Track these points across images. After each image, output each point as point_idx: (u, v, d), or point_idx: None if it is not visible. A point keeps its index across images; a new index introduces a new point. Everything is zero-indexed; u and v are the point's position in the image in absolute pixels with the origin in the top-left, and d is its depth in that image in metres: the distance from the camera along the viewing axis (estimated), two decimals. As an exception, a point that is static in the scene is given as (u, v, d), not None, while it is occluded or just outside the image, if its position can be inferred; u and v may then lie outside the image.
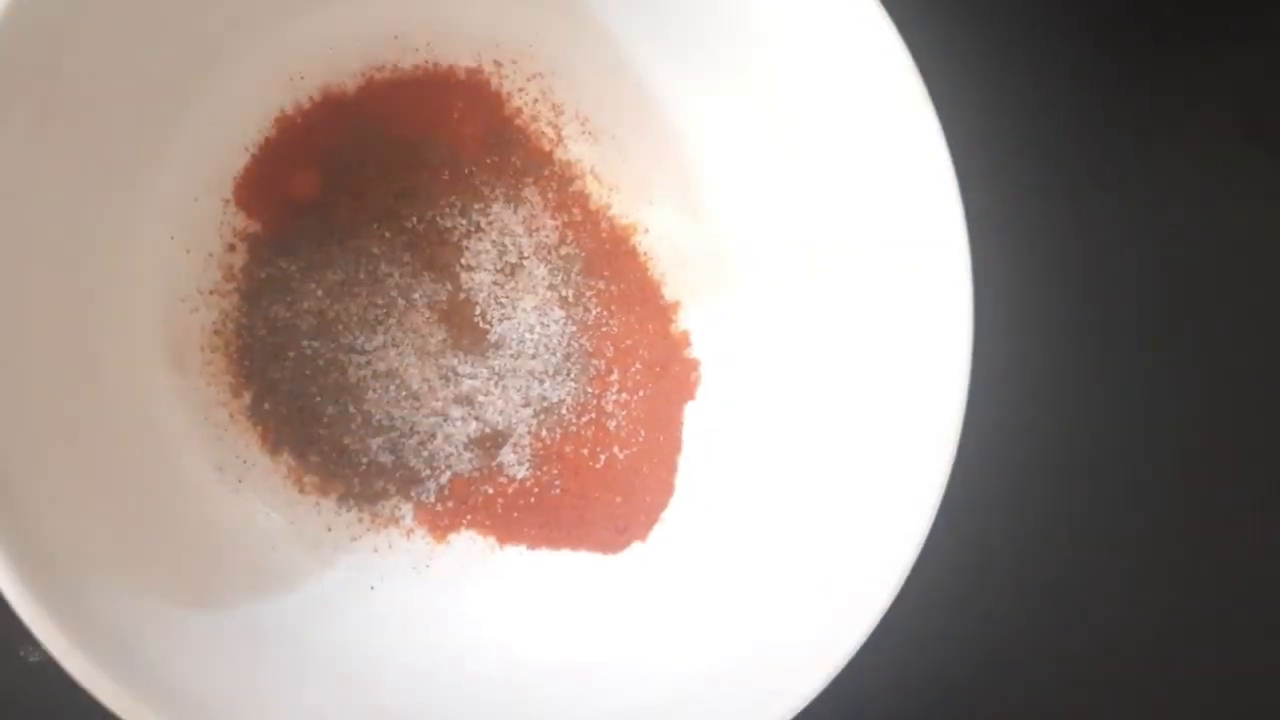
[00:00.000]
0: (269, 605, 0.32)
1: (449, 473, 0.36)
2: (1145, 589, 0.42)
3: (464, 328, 0.36)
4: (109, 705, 0.26)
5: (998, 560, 0.41)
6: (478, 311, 0.36)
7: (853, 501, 0.34)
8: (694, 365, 0.38)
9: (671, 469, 0.37)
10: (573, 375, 0.37)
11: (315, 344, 0.35)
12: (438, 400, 0.36)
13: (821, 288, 0.36)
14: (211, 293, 0.35)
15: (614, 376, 0.37)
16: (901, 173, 0.33)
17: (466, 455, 0.36)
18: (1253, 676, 0.42)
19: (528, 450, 0.37)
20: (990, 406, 0.34)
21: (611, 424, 0.37)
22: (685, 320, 0.38)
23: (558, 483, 0.37)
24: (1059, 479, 0.41)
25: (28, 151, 0.30)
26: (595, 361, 0.37)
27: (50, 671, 0.27)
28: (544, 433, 0.37)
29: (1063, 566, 0.41)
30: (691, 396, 0.38)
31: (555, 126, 0.37)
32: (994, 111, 0.41)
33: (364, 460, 0.35)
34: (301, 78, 0.35)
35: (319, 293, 0.35)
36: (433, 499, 0.36)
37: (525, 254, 0.37)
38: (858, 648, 0.31)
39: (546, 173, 0.37)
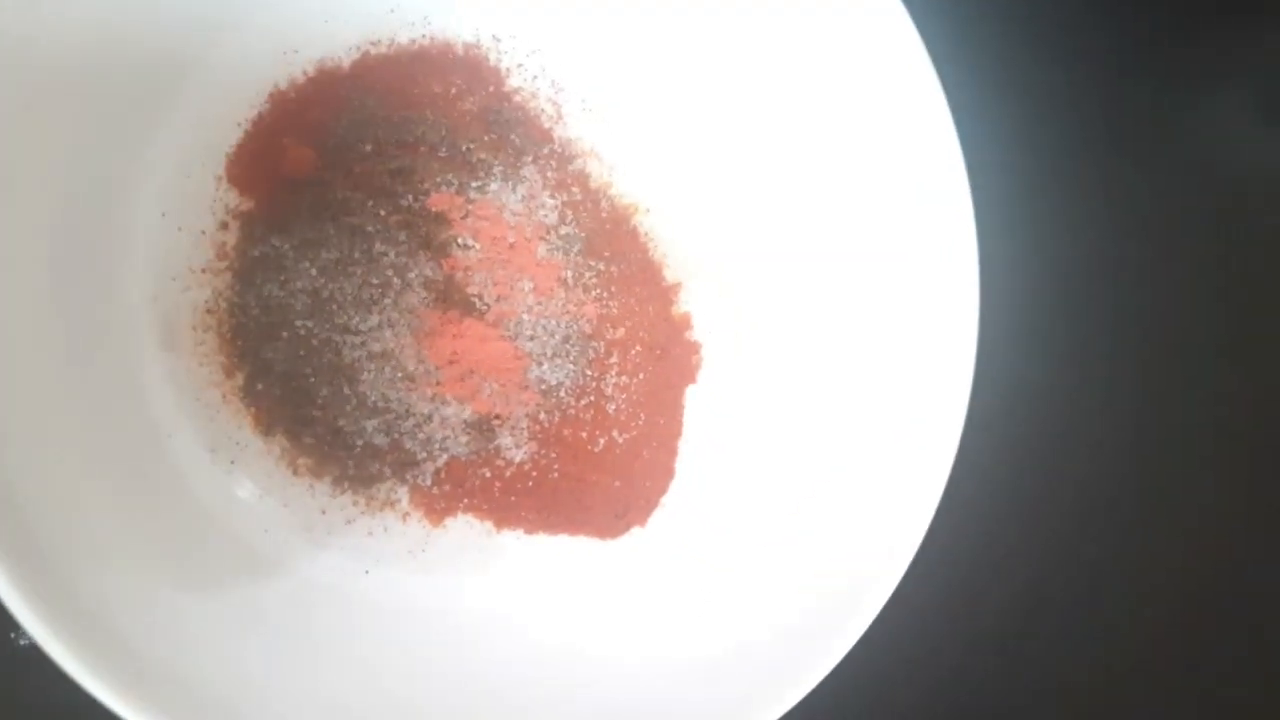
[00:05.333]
0: (260, 589, 0.32)
1: (445, 456, 0.35)
2: (1147, 598, 0.41)
3: (460, 308, 0.35)
4: (93, 692, 0.26)
5: (1001, 549, 0.40)
6: (474, 292, 0.35)
7: (855, 487, 0.33)
8: (695, 348, 0.37)
9: (672, 453, 0.37)
10: (571, 358, 0.36)
11: (309, 324, 0.34)
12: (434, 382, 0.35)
13: (826, 270, 0.35)
14: (204, 271, 0.34)
15: (614, 359, 0.37)
16: (910, 164, 0.33)
17: (463, 438, 0.35)
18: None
19: (525, 433, 0.36)
20: (994, 395, 0.34)
21: (611, 407, 0.37)
22: (686, 302, 0.37)
23: (556, 467, 0.36)
24: (1061, 472, 0.41)
25: (14, 128, 0.29)
26: (595, 344, 0.37)
27: (41, 655, 0.26)
28: (542, 416, 0.36)
29: (1058, 564, 0.41)
30: (693, 380, 0.37)
31: (555, 104, 0.37)
32: (1006, 104, 0.40)
33: (359, 442, 0.35)
34: (296, 52, 0.34)
35: (313, 271, 0.34)
36: (429, 482, 0.35)
37: (524, 234, 0.36)
38: (859, 634, 0.31)
39: (546, 151, 0.37)
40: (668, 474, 0.37)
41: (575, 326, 0.36)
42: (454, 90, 0.36)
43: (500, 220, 0.36)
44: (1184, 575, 0.41)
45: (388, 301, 0.35)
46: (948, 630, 0.40)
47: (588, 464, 0.36)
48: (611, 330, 0.37)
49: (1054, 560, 0.41)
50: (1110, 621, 0.41)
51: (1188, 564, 0.41)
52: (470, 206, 0.36)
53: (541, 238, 0.36)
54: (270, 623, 0.31)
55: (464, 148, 0.36)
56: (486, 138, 0.36)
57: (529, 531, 0.36)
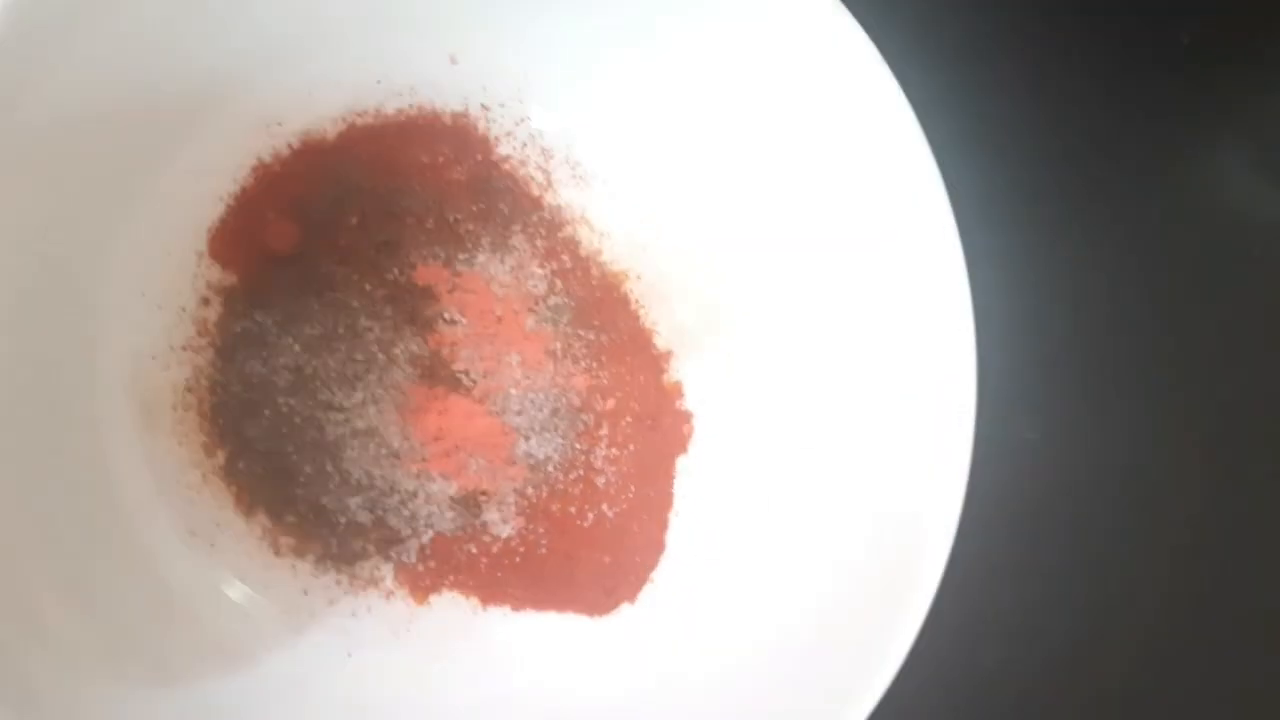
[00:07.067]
0: (241, 680, 0.31)
1: (431, 532, 0.35)
2: (1157, 609, 0.40)
3: (446, 385, 0.35)
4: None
5: (1002, 629, 0.40)
6: (460, 368, 0.35)
7: (852, 565, 0.33)
8: (686, 418, 0.37)
9: (662, 526, 0.36)
10: (560, 431, 0.36)
11: (292, 401, 0.34)
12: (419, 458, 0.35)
13: (819, 336, 0.35)
14: (184, 348, 0.33)
15: (603, 431, 0.36)
16: (903, 225, 0.32)
17: (449, 514, 0.35)
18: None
19: (513, 509, 0.35)
20: (994, 457, 0.33)
21: (600, 480, 0.36)
22: (678, 371, 0.37)
23: (544, 542, 0.36)
24: (1067, 551, 0.40)
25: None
26: (584, 416, 0.36)
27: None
28: (530, 490, 0.35)
29: (1071, 643, 0.40)
30: (684, 450, 0.37)
31: (544, 171, 0.36)
32: (999, 160, 0.40)
33: (342, 520, 0.34)
34: (279, 124, 0.34)
35: (296, 348, 0.34)
36: (414, 559, 0.35)
37: (512, 306, 0.36)
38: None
39: (535, 219, 0.36)
40: (658, 548, 0.36)
41: (564, 399, 0.36)
42: (441, 160, 0.35)
43: (488, 293, 0.35)
44: (1196, 628, 0.41)
45: (372, 378, 0.34)
46: (956, 700, 0.39)
47: (577, 539, 0.36)
48: (601, 401, 0.36)
49: (1062, 643, 0.40)
50: (1121, 671, 0.40)
51: (1203, 619, 0.41)
52: (457, 279, 0.35)
53: (530, 309, 0.36)
54: (251, 713, 0.31)
55: (451, 219, 0.35)
56: (474, 207, 0.36)
57: (516, 608, 0.35)
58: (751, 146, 0.34)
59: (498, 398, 0.35)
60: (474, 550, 0.35)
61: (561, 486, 0.36)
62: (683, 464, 0.36)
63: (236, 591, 0.33)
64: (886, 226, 0.32)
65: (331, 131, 0.34)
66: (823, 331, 0.34)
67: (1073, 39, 0.41)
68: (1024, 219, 0.40)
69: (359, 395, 0.34)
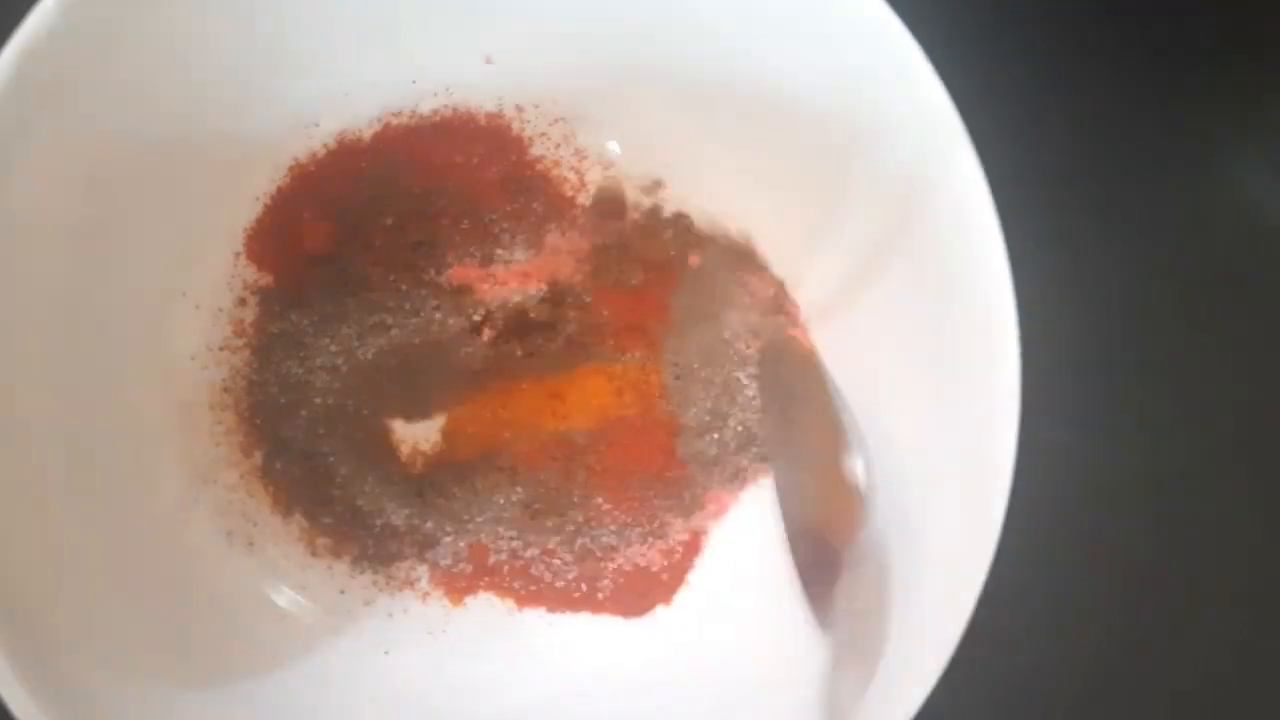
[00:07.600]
0: (277, 679, 0.31)
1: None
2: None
3: (481, 384, 0.35)
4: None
5: (1033, 634, 0.39)
6: (496, 364, 0.35)
7: (888, 572, 0.32)
8: (721, 418, 0.37)
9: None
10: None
11: (329, 401, 0.34)
12: (456, 458, 0.35)
13: (854, 338, 0.34)
14: (221, 349, 0.34)
15: (640, 432, 0.36)
16: (946, 225, 0.31)
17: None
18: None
19: (548, 510, 0.35)
20: (1024, 456, 0.33)
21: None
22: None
23: (579, 543, 0.35)
24: (1100, 552, 0.40)
25: (26, 206, 0.28)
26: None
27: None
28: (566, 491, 0.35)
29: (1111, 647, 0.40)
30: (719, 453, 0.36)
31: (578, 171, 0.36)
32: (1032, 151, 0.39)
33: (378, 522, 0.34)
34: (316, 125, 0.34)
35: (332, 348, 0.34)
36: (450, 561, 0.35)
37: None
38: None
39: (568, 219, 0.36)
40: (693, 551, 0.36)
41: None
42: (476, 160, 0.35)
43: (524, 292, 0.35)
44: (1226, 631, 0.40)
45: (408, 379, 0.34)
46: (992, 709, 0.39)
47: (612, 540, 0.36)
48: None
49: (1090, 645, 0.40)
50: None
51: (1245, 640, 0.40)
52: (492, 279, 0.35)
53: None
54: (286, 714, 0.31)
55: (486, 219, 0.35)
56: (509, 207, 0.36)
57: (551, 610, 0.35)
58: (785, 146, 0.34)
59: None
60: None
61: (599, 486, 0.36)
62: (718, 465, 0.36)
63: (273, 591, 0.33)
64: (927, 228, 0.32)
65: (367, 132, 0.34)
66: (859, 334, 0.34)
67: (1104, 41, 0.41)
68: (1050, 221, 0.40)
69: (395, 396, 0.34)
